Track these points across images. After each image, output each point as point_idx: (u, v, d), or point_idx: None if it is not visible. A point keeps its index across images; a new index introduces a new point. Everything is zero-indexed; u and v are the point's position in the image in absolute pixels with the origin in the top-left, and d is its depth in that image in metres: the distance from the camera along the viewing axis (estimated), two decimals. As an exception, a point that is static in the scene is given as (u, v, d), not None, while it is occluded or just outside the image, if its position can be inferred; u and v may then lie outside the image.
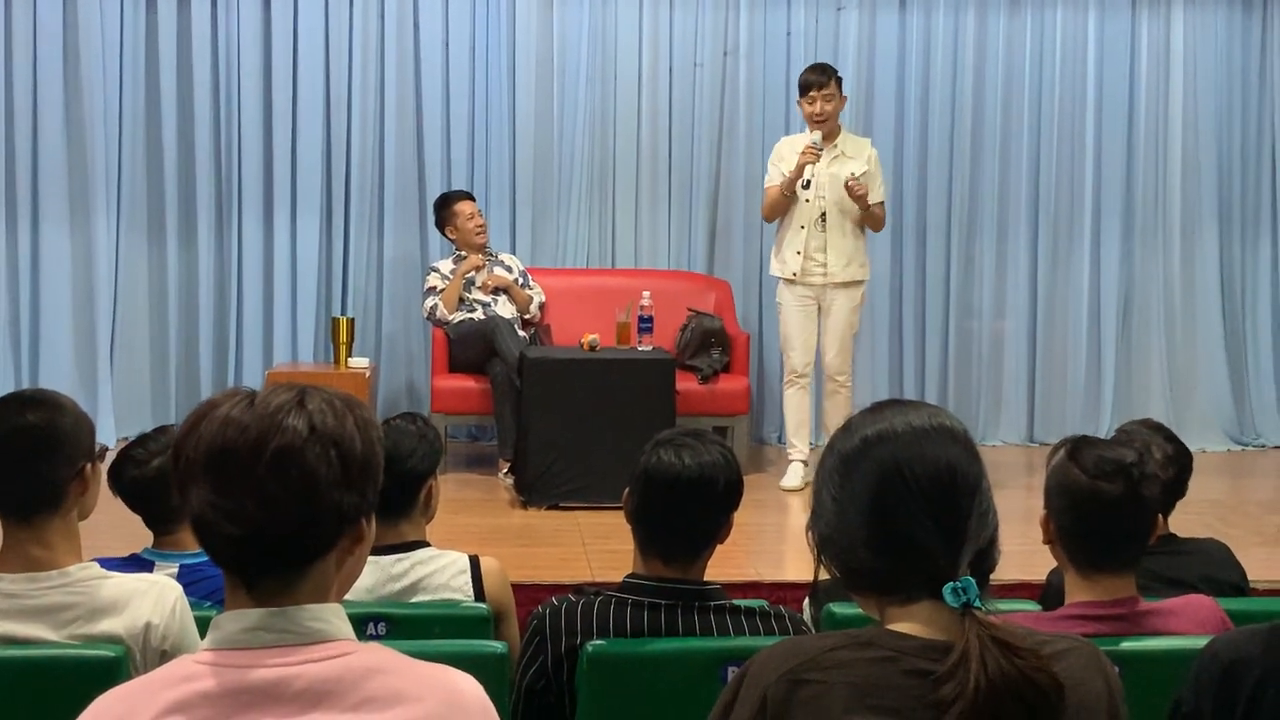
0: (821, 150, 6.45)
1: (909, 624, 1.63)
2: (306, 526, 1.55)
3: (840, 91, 6.61)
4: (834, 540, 1.69)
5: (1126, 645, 2.46)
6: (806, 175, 6.41)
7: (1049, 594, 3.07)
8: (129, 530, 3.24)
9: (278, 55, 7.66)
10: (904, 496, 1.63)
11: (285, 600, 1.55)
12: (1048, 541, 2.59)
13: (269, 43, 7.67)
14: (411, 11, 7.76)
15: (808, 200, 6.51)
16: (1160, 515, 2.64)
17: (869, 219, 6.61)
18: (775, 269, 6.80)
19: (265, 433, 1.53)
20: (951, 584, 1.59)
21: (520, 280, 7.36)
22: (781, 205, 6.67)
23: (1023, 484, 6.18)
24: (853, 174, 6.50)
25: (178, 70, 7.61)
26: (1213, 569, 3.17)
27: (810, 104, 6.52)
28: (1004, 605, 2.57)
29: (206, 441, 1.53)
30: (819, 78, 6.55)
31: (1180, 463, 3.22)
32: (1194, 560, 3.16)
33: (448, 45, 7.78)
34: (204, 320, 7.70)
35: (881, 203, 6.66)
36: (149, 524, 3.13)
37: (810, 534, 1.72)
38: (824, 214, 6.55)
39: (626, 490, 2.75)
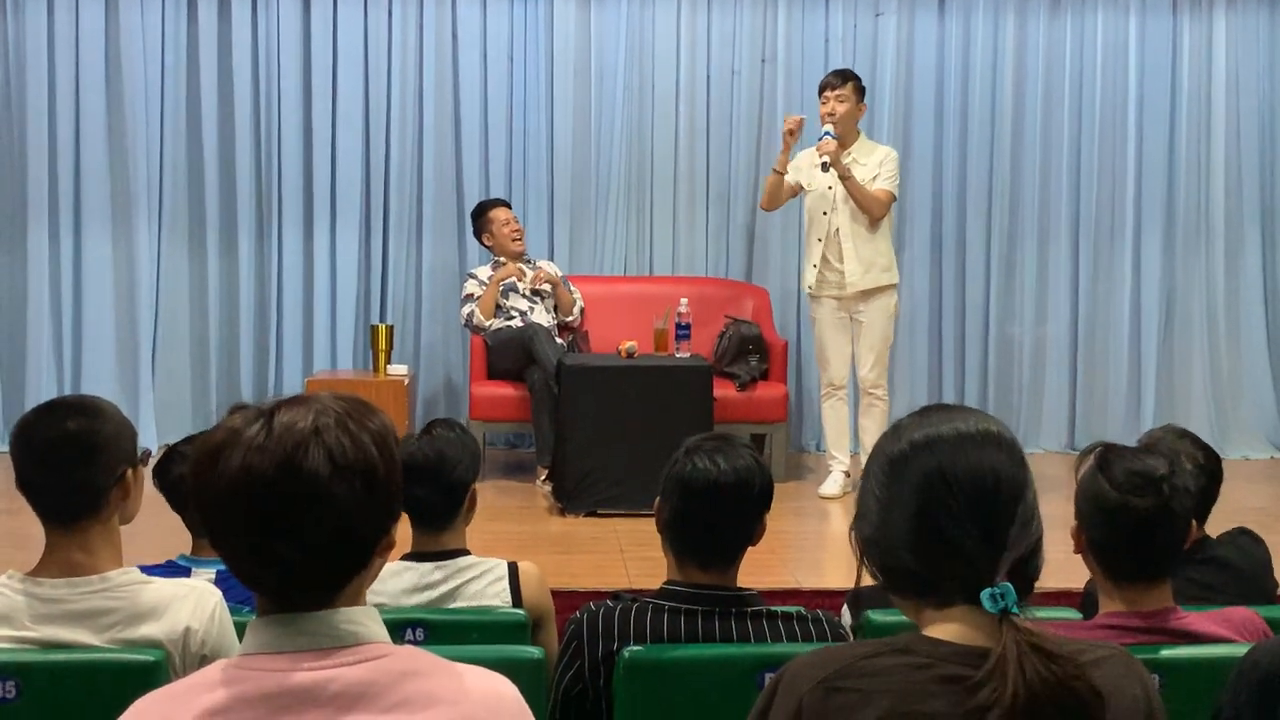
0: (830, 138, 6.41)
1: (946, 629, 1.63)
2: (340, 556, 1.56)
3: (858, 98, 6.60)
4: (876, 542, 1.69)
5: (1165, 654, 2.44)
6: (824, 159, 6.39)
7: (1087, 602, 3.04)
8: (168, 536, 3.27)
9: (317, 65, 7.72)
10: (947, 501, 1.63)
11: (319, 607, 1.56)
12: (1079, 552, 2.57)
13: (309, 53, 7.73)
14: (450, 22, 7.80)
15: (830, 187, 6.50)
16: (1195, 523, 2.61)
17: (858, 194, 6.46)
18: (803, 285, 6.84)
19: (287, 475, 1.51)
20: (990, 589, 1.59)
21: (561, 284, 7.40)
22: (778, 192, 6.71)
23: (1064, 492, 6.06)
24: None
25: (218, 80, 7.68)
26: (1248, 573, 3.14)
27: (823, 104, 6.55)
28: (1042, 613, 2.56)
29: (227, 489, 1.52)
30: (834, 79, 6.61)
31: (1210, 470, 3.18)
32: (1230, 566, 3.13)
33: (486, 55, 7.82)
34: (244, 328, 7.77)
35: (889, 192, 6.57)
36: (188, 525, 3.15)
37: (854, 535, 1.72)
38: (838, 228, 6.55)
39: (658, 500, 2.75)
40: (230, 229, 7.75)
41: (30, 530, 2.56)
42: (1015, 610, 1.58)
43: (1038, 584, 1.68)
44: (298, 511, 1.51)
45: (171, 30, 7.64)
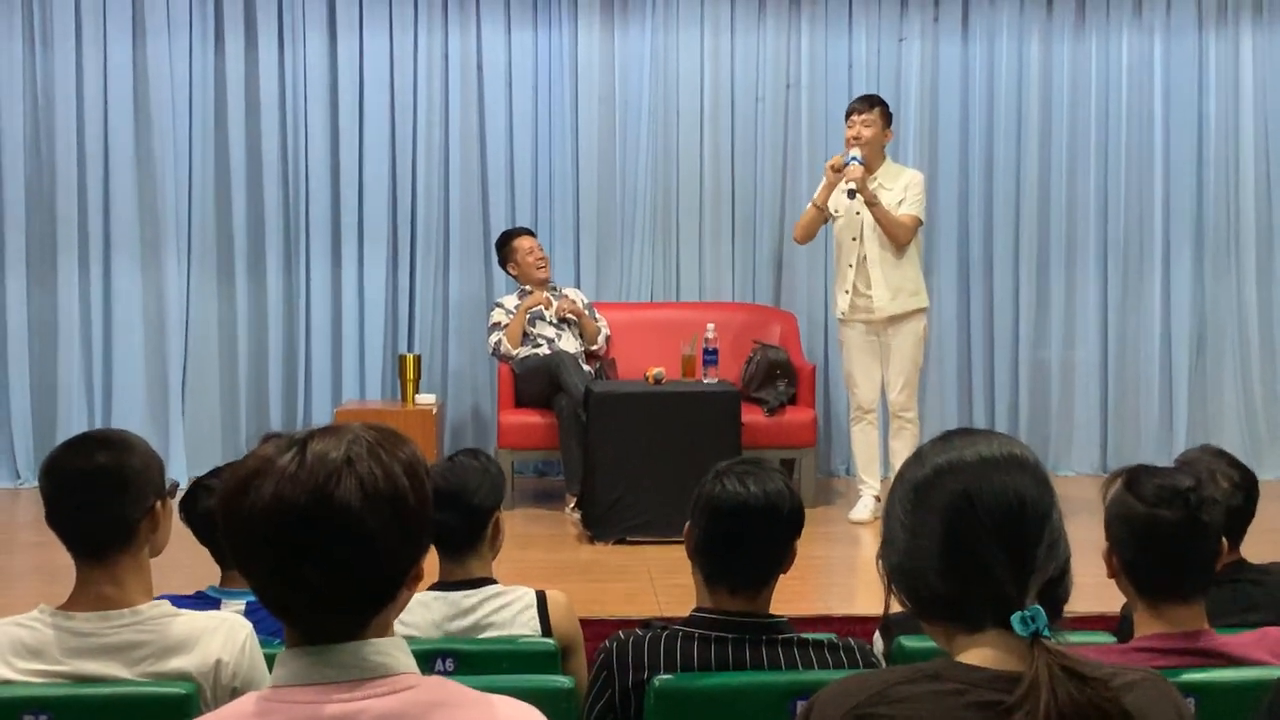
0: (858, 163, 6.40)
1: (978, 654, 1.62)
2: (371, 587, 1.56)
3: (885, 123, 6.58)
4: (904, 569, 1.69)
5: (1199, 676, 2.42)
6: (850, 185, 6.39)
7: (1124, 626, 3.02)
8: (198, 568, 3.28)
9: (344, 97, 7.77)
10: (973, 525, 1.62)
11: (348, 639, 1.56)
12: (1112, 575, 2.56)
13: (335, 85, 7.77)
14: (475, 52, 7.84)
15: (857, 213, 6.50)
16: (1225, 540, 2.60)
17: (884, 220, 6.44)
18: (834, 309, 6.86)
19: (319, 505, 1.51)
20: (1020, 613, 1.58)
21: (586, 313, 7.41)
22: (811, 225, 6.72)
23: (1096, 515, 6.05)
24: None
25: (245, 112, 7.73)
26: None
27: (850, 127, 6.54)
28: (1077, 637, 2.55)
29: (259, 517, 1.52)
30: (861, 104, 6.60)
31: (1246, 488, 3.16)
32: (1268, 588, 3.10)
33: (510, 83, 7.85)
34: (273, 359, 7.80)
35: (914, 217, 6.55)
36: (217, 558, 3.16)
37: (881, 563, 1.72)
38: (866, 254, 6.54)
39: (687, 524, 2.74)
40: (258, 260, 7.79)
41: (61, 564, 2.57)
42: (1046, 633, 1.57)
43: (1072, 608, 1.68)
44: (329, 541, 1.51)
45: (199, 63, 7.70)
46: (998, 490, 1.63)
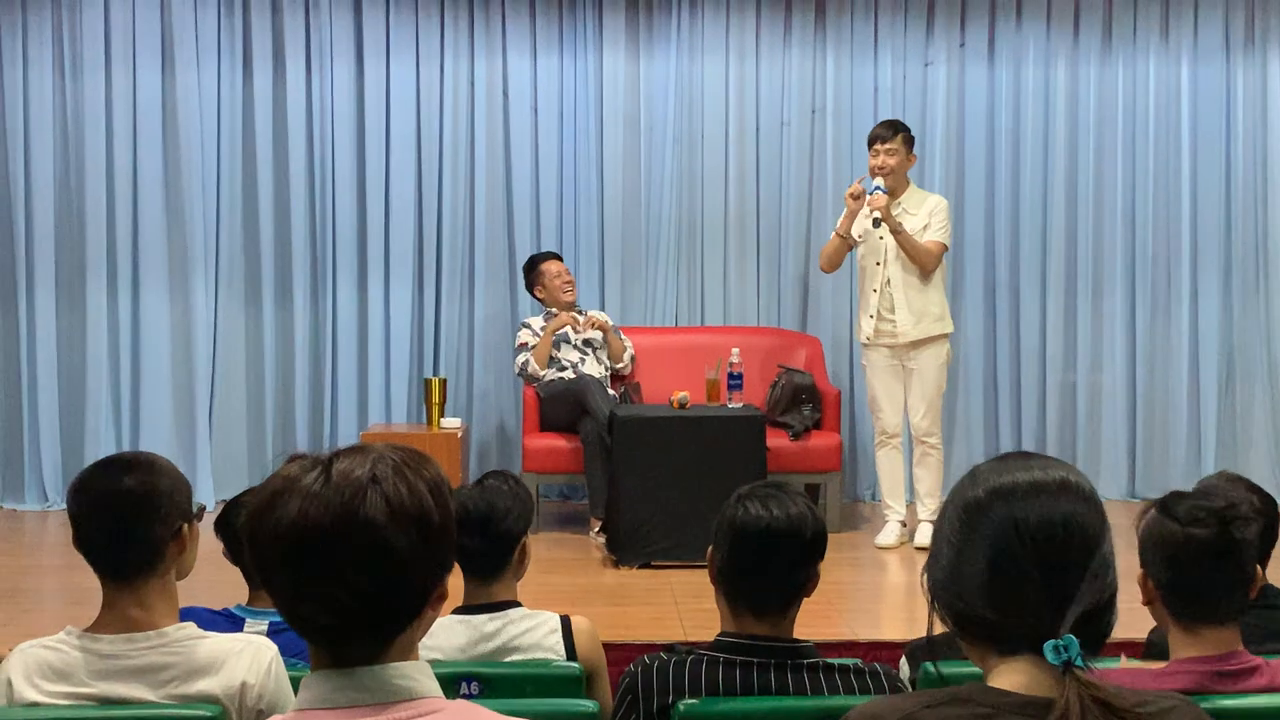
0: (881, 192, 6.40)
1: (1010, 679, 1.62)
2: (396, 604, 1.56)
3: (908, 149, 6.59)
4: (947, 586, 1.69)
5: (1232, 702, 2.41)
6: (875, 214, 6.39)
7: (1150, 654, 3.01)
8: (225, 591, 3.28)
9: (371, 123, 7.81)
10: (1017, 551, 1.63)
11: (372, 661, 1.56)
12: (1148, 602, 2.56)
13: (362, 112, 7.81)
14: (501, 78, 7.87)
15: (881, 238, 6.50)
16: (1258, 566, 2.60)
17: (909, 247, 6.46)
18: (858, 334, 6.85)
19: (345, 522, 1.52)
20: (1053, 641, 1.57)
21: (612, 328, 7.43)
22: (836, 255, 6.74)
23: (1125, 540, 6.01)
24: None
25: (273, 138, 7.77)
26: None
27: (874, 157, 6.54)
28: (1105, 664, 2.53)
29: (285, 534, 1.53)
30: (885, 132, 6.59)
31: (1267, 512, 3.16)
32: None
33: (536, 108, 7.88)
34: (300, 383, 7.82)
35: (940, 244, 6.56)
36: (247, 576, 3.16)
37: (926, 577, 1.72)
38: (890, 279, 6.53)
39: (710, 549, 2.74)
40: (285, 285, 7.83)
41: (88, 586, 2.58)
42: (1080, 663, 1.56)
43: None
44: (354, 559, 1.52)
45: (227, 90, 7.75)
46: (1045, 517, 1.64)
